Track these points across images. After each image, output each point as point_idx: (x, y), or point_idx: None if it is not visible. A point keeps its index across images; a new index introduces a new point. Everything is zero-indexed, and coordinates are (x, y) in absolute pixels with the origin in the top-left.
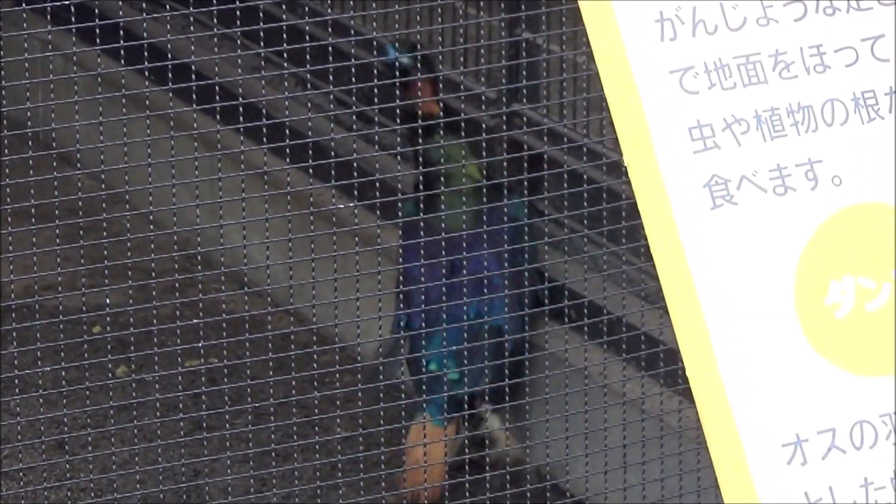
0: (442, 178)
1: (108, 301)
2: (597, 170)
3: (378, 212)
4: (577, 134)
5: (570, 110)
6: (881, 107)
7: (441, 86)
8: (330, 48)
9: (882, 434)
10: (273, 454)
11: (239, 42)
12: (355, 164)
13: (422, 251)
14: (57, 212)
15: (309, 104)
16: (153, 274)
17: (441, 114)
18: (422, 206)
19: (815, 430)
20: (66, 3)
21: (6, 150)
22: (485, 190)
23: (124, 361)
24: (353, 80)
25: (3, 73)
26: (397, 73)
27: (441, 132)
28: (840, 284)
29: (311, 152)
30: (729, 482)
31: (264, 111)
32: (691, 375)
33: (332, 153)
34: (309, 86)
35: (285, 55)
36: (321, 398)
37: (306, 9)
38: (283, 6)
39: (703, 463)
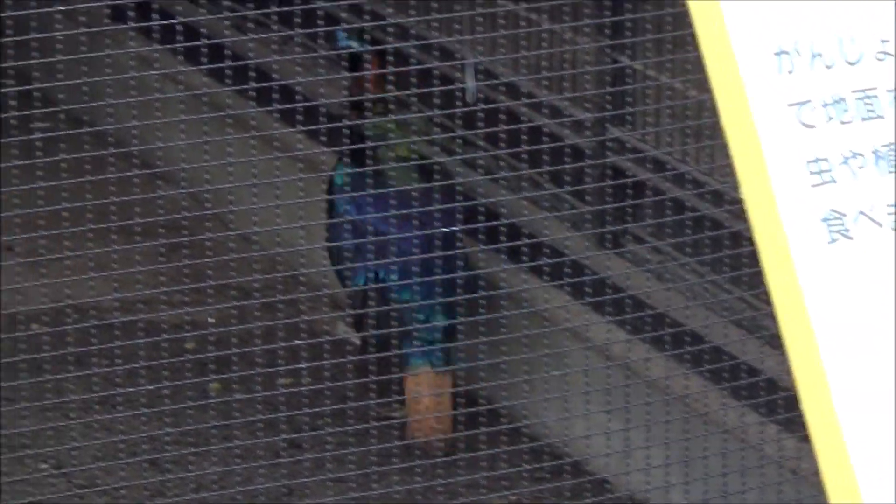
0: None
1: (209, 319)
2: (698, 197)
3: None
4: (674, 160)
5: (671, 137)
6: None
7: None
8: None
9: None
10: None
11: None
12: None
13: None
14: (161, 230)
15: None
16: (253, 293)
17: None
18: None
19: None
20: (172, 21)
21: (112, 168)
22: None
23: (218, 379)
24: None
25: (108, 90)
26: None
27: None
28: None
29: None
30: None
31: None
32: (807, 410)
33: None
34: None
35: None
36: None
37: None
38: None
39: (803, 494)
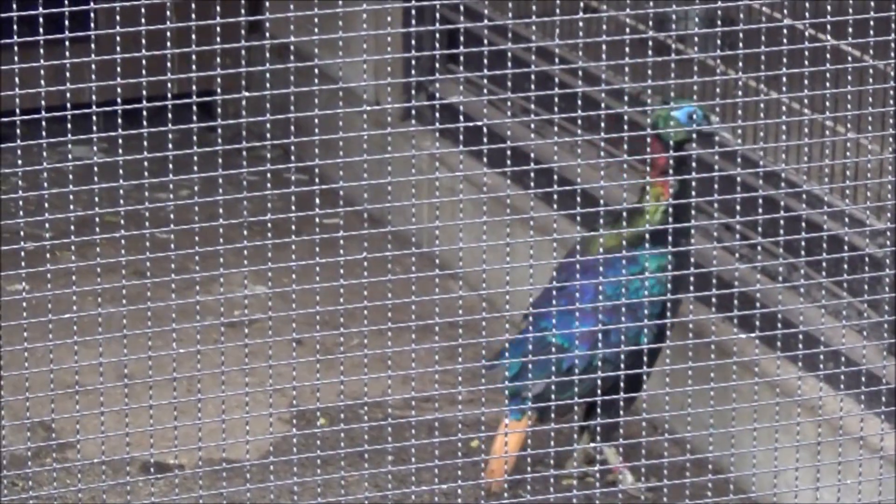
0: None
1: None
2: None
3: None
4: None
5: (829, 174)
6: None
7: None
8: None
9: None
10: None
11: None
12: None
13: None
14: (437, 328)
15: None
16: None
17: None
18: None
19: None
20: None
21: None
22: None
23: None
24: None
25: (390, 189)
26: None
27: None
28: None
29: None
30: None
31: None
32: None
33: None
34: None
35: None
36: None
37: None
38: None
39: None
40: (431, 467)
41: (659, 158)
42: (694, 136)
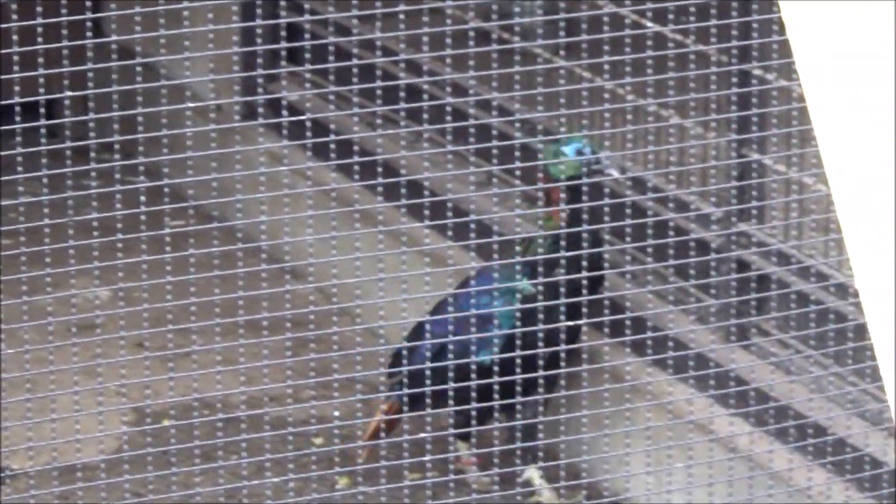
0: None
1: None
2: (823, 290)
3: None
4: (803, 255)
5: (796, 231)
6: None
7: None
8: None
9: None
10: None
11: (471, 160)
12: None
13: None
14: (288, 324)
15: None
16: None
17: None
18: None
19: None
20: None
21: (240, 263)
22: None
23: (348, 474)
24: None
25: (237, 185)
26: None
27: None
28: None
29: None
30: None
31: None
32: None
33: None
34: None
35: (517, 172)
36: None
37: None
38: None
39: None
40: (268, 460)
41: (553, 193)
42: (584, 170)
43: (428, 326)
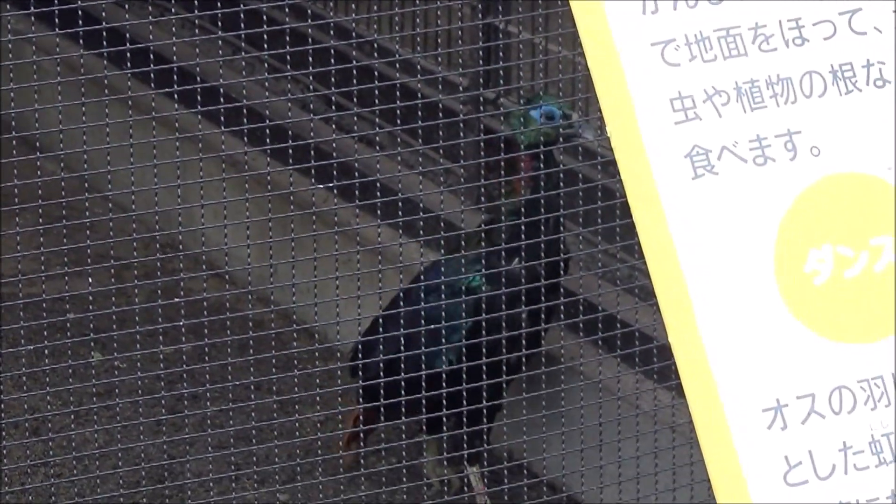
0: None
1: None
2: (592, 168)
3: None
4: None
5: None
6: (858, 79)
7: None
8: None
9: (860, 399)
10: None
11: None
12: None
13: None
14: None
15: (334, 125)
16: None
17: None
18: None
19: (795, 395)
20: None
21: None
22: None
23: (99, 348)
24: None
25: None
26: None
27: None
28: (819, 252)
29: (335, 173)
30: (711, 447)
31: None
32: (673, 342)
33: (357, 174)
34: (334, 107)
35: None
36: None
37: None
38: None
39: (696, 457)
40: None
41: (522, 162)
42: (559, 136)
43: (381, 322)
